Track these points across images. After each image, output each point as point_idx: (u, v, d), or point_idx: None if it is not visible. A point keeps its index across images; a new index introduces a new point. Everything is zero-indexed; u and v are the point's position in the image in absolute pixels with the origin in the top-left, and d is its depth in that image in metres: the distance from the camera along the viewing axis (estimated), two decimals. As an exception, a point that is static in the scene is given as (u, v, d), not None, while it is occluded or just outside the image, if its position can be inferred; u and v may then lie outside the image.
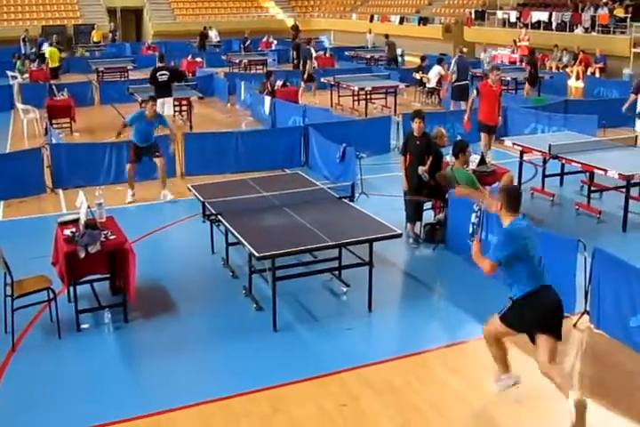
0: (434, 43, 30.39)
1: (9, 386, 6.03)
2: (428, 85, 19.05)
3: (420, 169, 8.90)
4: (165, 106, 15.17)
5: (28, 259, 7.94)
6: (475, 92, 12.47)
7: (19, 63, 23.90)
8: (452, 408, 5.69)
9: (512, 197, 5.43)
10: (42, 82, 21.62)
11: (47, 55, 22.29)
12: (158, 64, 16.14)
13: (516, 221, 5.39)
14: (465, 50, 18.98)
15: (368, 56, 27.76)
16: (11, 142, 15.54)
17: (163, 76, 15.43)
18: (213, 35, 32.77)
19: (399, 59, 26.57)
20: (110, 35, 36.61)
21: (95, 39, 34.32)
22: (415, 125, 9.00)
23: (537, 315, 5.30)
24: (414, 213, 9.20)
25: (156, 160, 11.13)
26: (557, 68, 24.86)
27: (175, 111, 16.69)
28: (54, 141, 12.58)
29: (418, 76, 19.62)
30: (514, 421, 5.55)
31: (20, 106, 17.34)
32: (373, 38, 31.16)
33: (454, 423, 5.50)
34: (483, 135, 12.46)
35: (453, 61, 17.42)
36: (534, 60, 19.19)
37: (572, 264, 6.91)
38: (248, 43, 30.35)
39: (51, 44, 24.17)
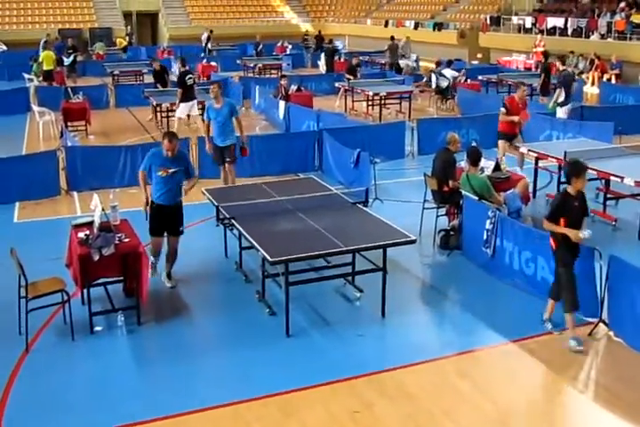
0: (449, 48, 30.33)
1: (22, 387, 6.04)
2: (442, 84, 18.92)
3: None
4: (193, 108, 15.96)
5: (43, 261, 7.96)
6: (503, 109, 11.96)
7: (35, 66, 24.02)
8: (466, 416, 5.64)
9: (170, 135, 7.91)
10: (58, 85, 21.74)
11: (41, 59, 22.40)
12: (182, 68, 16.33)
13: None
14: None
15: (382, 61, 27.70)
16: (26, 144, 15.62)
17: (190, 79, 15.88)
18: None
19: (414, 64, 26.14)
20: (127, 38, 36.74)
21: (120, 46, 34.07)
22: (580, 183, 6.55)
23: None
24: (574, 293, 6.61)
25: (226, 165, 10.90)
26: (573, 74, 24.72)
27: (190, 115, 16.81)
28: (69, 144, 12.62)
29: (434, 85, 19.52)
30: (528, 430, 5.51)
31: (35, 108, 17.44)
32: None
33: (468, 431, 5.47)
34: (501, 143, 12.10)
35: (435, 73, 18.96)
36: (548, 66, 18.93)
37: (587, 272, 6.86)
38: (260, 47, 30.43)
39: (45, 48, 24.32)
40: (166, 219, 8.00)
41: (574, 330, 6.64)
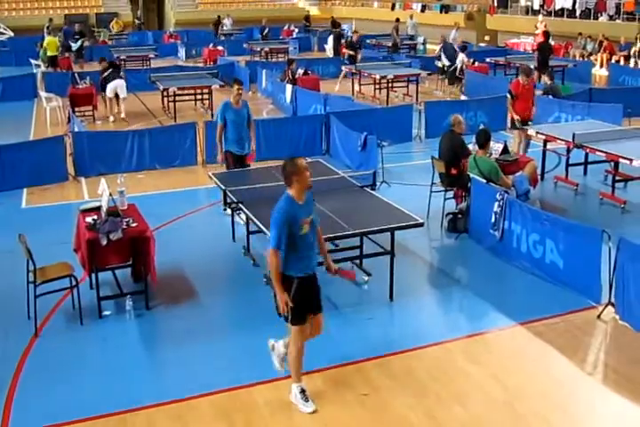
0: (456, 31, 30.05)
1: (31, 371, 6.08)
2: (444, 62, 18.96)
3: None
4: (119, 89, 16.27)
5: (51, 246, 7.98)
6: (509, 95, 11.46)
7: (42, 52, 23.98)
8: (474, 399, 5.65)
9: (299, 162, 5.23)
10: (65, 70, 21.70)
11: (45, 44, 22.38)
12: (105, 64, 16.81)
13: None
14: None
15: (389, 44, 27.53)
16: (34, 130, 15.62)
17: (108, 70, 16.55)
18: None
19: (420, 47, 26.15)
20: (136, 21, 36.59)
21: (115, 30, 34.03)
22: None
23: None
24: None
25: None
26: (582, 56, 24.55)
27: (197, 100, 16.92)
28: (76, 129, 12.62)
29: (440, 64, 19.49)
30: (536, 413, 5.49)
31: (43, 94, 17.41)
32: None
33: (476, 414, 5.46)
34: (517, 132, 11.65)
35: (439, 48, 19.24)
36: (545, 45, 18.69)
37: (596, 254, 6.83)
38: (266, 31, 30.29)
39: (49, 33, 24.30)
40: (311, 293, 5.49)
41: None
